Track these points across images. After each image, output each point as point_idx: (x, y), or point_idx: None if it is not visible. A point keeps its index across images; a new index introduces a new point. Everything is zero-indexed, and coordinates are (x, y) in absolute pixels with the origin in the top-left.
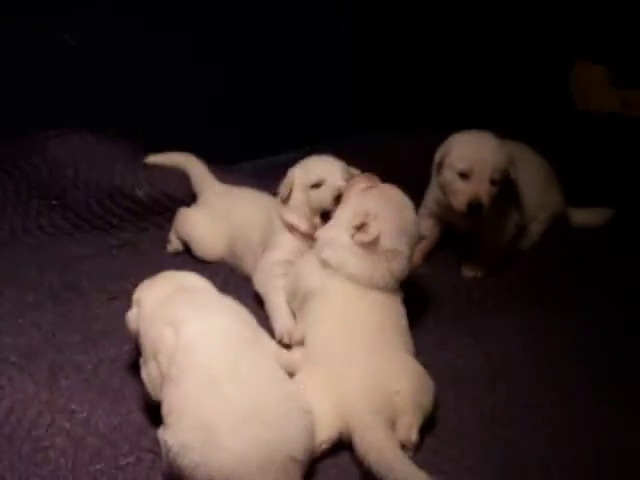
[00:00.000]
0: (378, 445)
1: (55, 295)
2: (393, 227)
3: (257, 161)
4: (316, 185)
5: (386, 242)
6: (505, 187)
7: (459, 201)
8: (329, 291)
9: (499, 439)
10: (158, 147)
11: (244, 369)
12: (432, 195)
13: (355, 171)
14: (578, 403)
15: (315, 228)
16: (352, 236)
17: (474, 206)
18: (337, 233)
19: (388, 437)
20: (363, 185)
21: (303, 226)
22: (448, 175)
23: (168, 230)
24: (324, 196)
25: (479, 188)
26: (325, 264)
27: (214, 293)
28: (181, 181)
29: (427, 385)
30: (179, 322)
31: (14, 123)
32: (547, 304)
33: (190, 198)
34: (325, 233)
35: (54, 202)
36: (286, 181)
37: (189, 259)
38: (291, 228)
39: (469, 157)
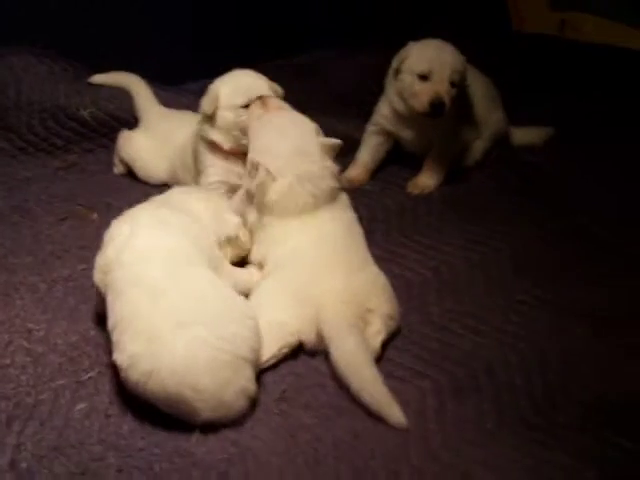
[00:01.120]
0: (354, 360)
1: (3, 218)
2: (285, 164)
3: (203, 81)
4: (246, 106)
5: (281, 184)
6: (457, 98)
7: (420, 102)
8: (276, 224)
9: (448, 346)
10: (101, 68)
11: (184, 281)
12: (383, 108)
13: (279, 89)
14: (522, 310)
15: (240, 147)
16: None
17: (436, 105)
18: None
19: (363, 350)
20: (259, 111)
21: (226, 144)
22: (407, 79)
23: (114, 151)
24: None
25: (440, 87)
26: (258, 210)
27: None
28: (126, 102)
29: (393, 297)
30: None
31: None
32: (488, 220)
33: (135, 119)
34: (245, 184)
35: None
36: (209, 97)
37: (135, 182)
38: (214, 147)
39: (428, 59)
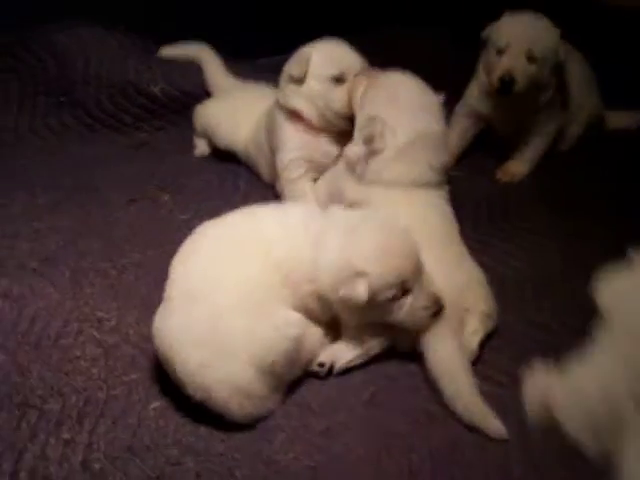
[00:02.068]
0: (450, 366)
1: (70, 198)
2: (405, 118)
3: (275, 58)
4: (338, 79)
5: (402, 137)
6: (552, 80)
7: (492, 77)
8: (375, 202)
9: (548, 347)
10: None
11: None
12: (473, 88)
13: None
14: None
15: (324, 122)
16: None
17: (505, 81)
18: (359, 148)
19: (460, 356)
20: (365, 83)
21: (310, 114)
22: (490, 53)
23: (185, 129)
24: (342, 97)
25: (512, 62)
26: (360, 179)
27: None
28: (198, 77)
29: (491, 294)
30: None
31: (17, 13)
32: (582, 211)
33: (208, 95)
34: (350, 150)
35: (62, 99)
36: (300, 61)
37: (208, 161)
38: (294, 116)
39: (507, 31)
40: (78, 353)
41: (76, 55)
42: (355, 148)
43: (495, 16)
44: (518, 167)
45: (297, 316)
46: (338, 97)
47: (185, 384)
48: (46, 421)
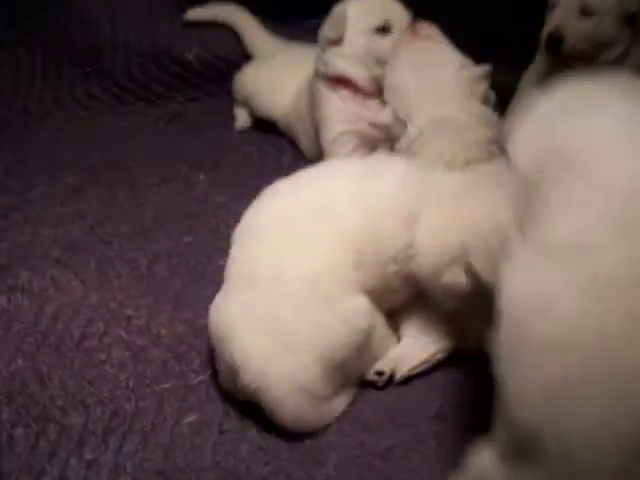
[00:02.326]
0: None
1: (97, 176)
2: (415, 94)
3: (316, 20)
4: (382, 29)
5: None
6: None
7: (542, 34)
8: None
9: None
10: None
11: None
12: (538, 60)
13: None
14: None
15: (376, 82)
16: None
17: (553, 39)
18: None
19: None
20: (408, 39)
21: (358, 76)
22: (550, 10)
23: (223, 99)
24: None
25: (562, 18)
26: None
27: None
28: (237, 41)
29: None
30: None
31: None
32: None
33: (246, 61)
34: (383, 115)
35: (88, 69)
36: (335, 19)
37: (248, 135)
38: (339, 84)
39: None
40: (103, 357)
41: (101, 20)
42: (387, 112)
43: None
44: None
45: (366, 304)
46: (387, 48)
47: (240, 371)
48: (67, 438)
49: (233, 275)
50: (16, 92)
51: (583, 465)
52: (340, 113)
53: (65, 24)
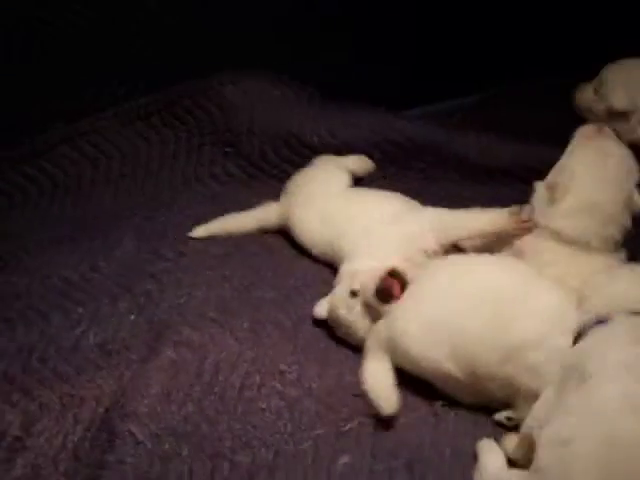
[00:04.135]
0: None
1: (241, 248)
2: (588, 180)
3: (425, 107)
4: None
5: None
6: None
7: None
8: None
9: None
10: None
11: None
12: None
13: None
14: None
15: None
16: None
17: None
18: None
19: None
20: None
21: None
22: None
23: None
24: None
25: None
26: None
27: None
28: (361, 131)
29: None
30: None
31: (183, 63)
32: None
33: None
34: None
35: (228, 149)
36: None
37: None
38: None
39: None
40: (263, 405)
41: (242, 106)
42: (540, 186)
43: None
44: None
45: None
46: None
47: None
48: (238, 475)
49: None
50: (161, 166)
51: None
52: None
53: (207, 108)
